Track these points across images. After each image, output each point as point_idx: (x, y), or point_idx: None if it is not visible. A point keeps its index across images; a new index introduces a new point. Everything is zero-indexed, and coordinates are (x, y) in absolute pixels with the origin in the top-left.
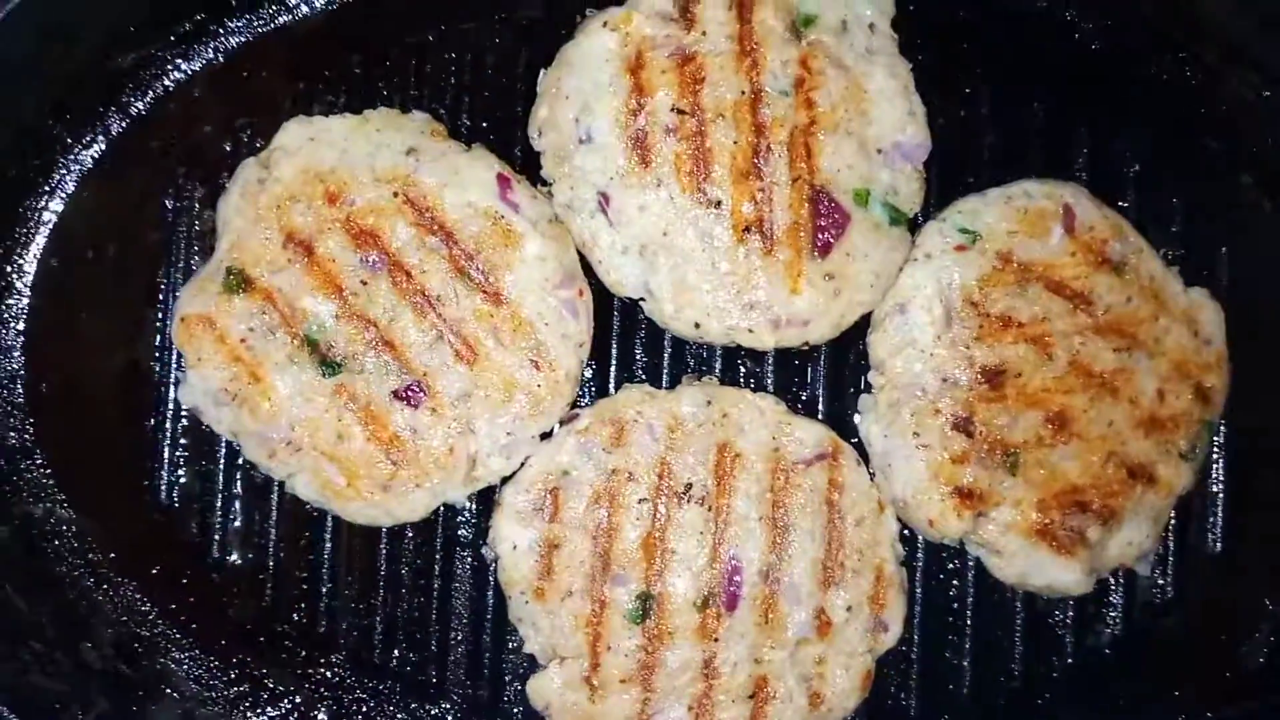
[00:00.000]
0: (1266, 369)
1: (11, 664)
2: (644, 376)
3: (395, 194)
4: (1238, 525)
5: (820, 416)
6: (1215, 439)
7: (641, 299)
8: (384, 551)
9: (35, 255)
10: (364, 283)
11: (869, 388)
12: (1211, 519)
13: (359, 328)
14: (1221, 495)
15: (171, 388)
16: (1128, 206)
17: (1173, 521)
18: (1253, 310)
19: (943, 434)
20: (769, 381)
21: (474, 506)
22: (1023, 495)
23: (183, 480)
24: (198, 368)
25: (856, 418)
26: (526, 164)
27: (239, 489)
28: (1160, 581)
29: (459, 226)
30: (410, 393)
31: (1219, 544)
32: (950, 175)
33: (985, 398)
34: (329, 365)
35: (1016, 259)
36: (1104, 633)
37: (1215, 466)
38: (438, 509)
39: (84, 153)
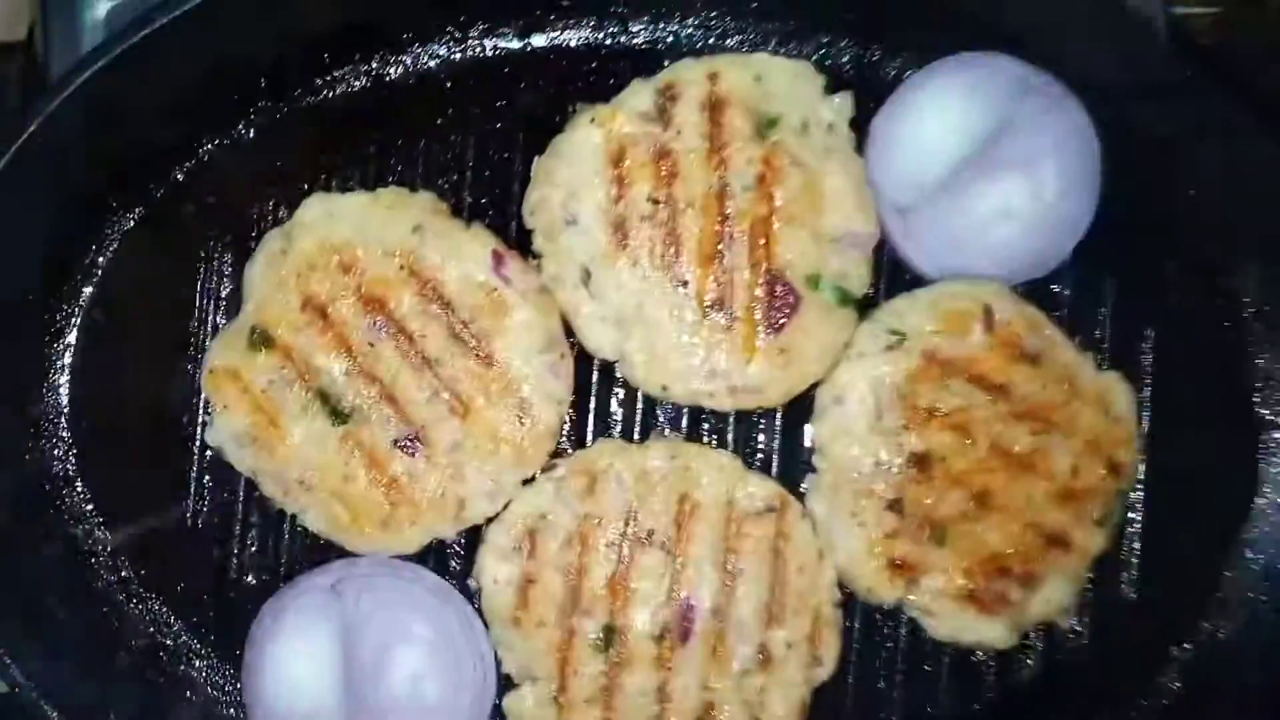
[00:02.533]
0: (1180, 439)
1: (54, 667)
2: (620, 430)
3: (401, 266)
4: (1150, 579)
5: (774, 472)
6: (1131, 502)
7: (617, 361)
8: None
9: (83, 305)
10: (371, 344)
11: (814, 468)
12: (1125, 574)
13: (366, 383)
14: (1137, 552)
15: (199, 429)
16: (1061, 289)
17: (1089, 575)
18: (1173, 385)
19: (877, 512)
20: (730, 439)
21: (462, 542)
22: (950, 564)
23: (207, 509)
24: (223, 414)
25: (804, 491)
26: (520, 238)
27: (256, 519)
28: (1077, 629)
29: (457, 297)
30: (409, 442)
31: (1133, 594)
32: (899, 261)
33: (914, 479)
34: (339, 416)
35: (940, 356)
36: (1024, 671)
37: (1132, 527)
38: (430, 544)
39: (128, 215)
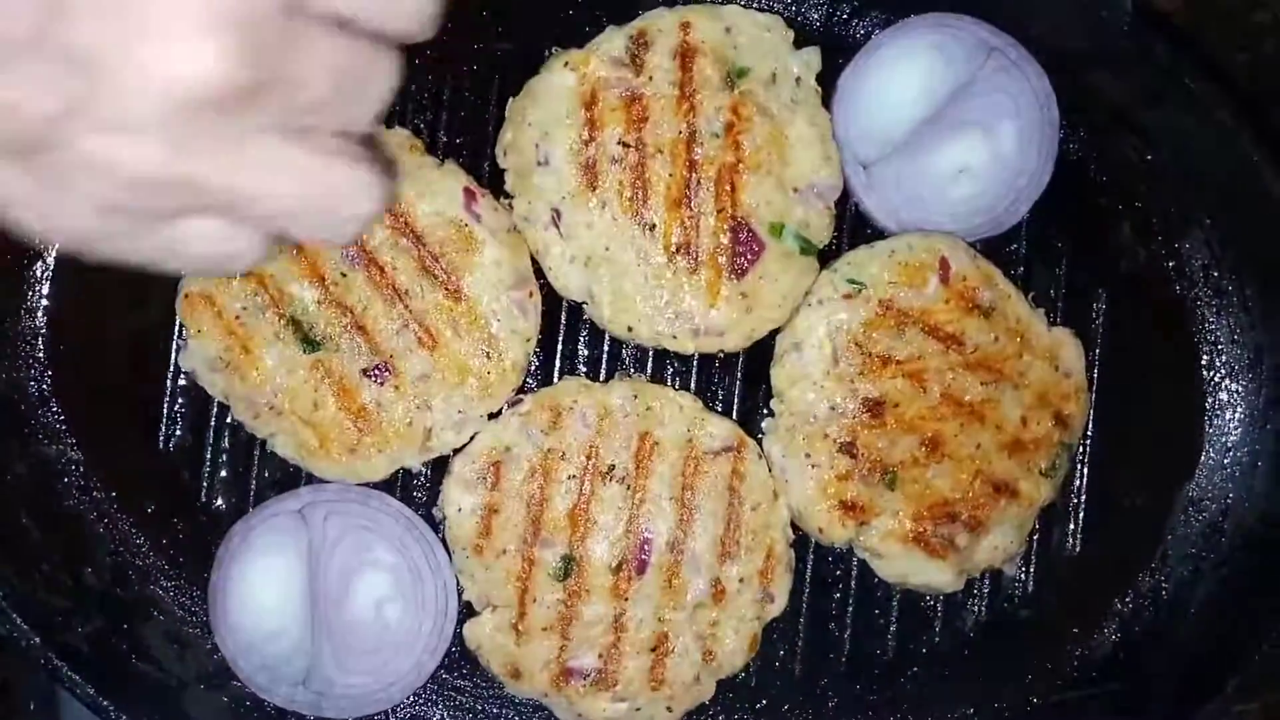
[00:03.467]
0: (1128, 396)
1: (26, 581)
2: (586, 370)
3: None
4: (1094, 532)
5: (734, 415)
6: (1077, 457)
7: (584, 302)
8: None
9: None
10: (343, 274)
11: (772, 413)
12: (1071, 525)
13: (337, 313)
14: (1081, 505)
15: (173, 353)
16: (1017, 248)
17: (1036, 527)
18: (1122, 344)
19: (831, 455)
20: (692, 381)
21: (427, 472)
22: (900, 507)
23: (179, 433)
24: (197, 338)
25: (761, 436)
26: (493, 178)
27: (227, 444)
28: (1021, 578)
29: (428, 232)
30: (378, 371)
31: (1076, 548)
32: (861, 214)
33: (868, 425)
34: (309, 343)
35: (897, 306)
36: (969, 618)
37: (1078, 481)
38: (397, 472)
39: None
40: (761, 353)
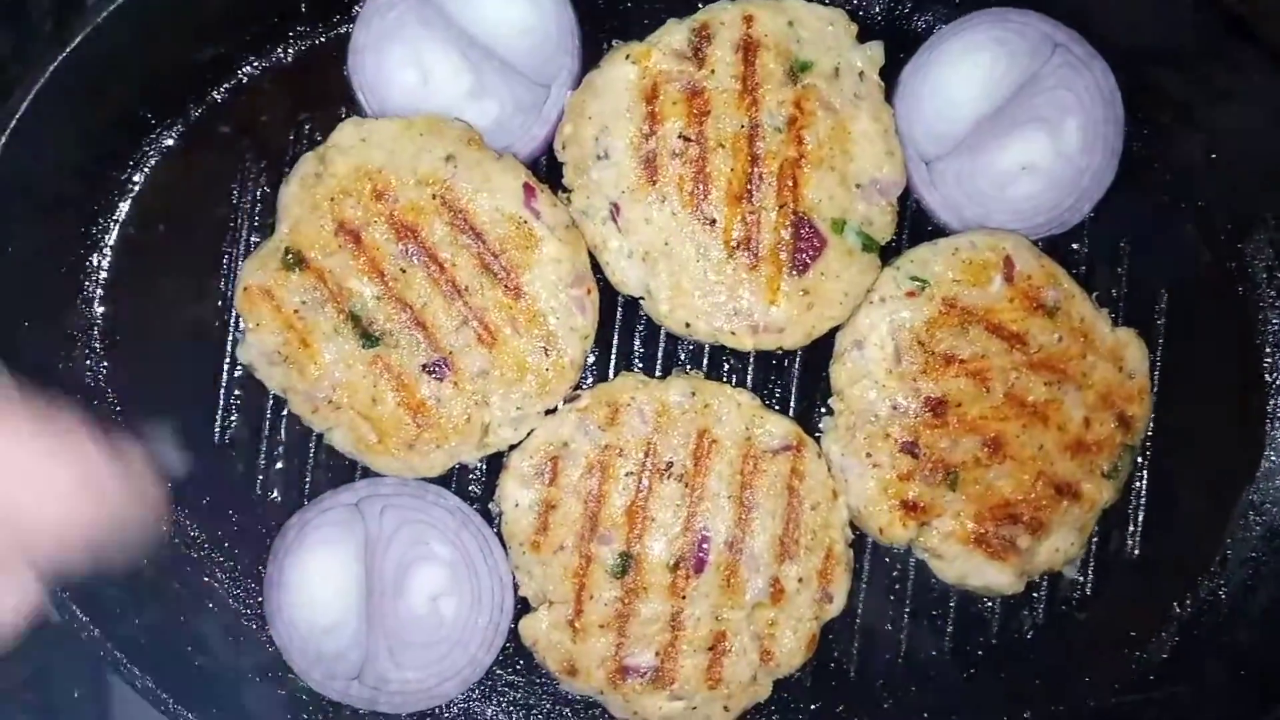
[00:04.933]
0: (1189, 399)
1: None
2: (641, 366)
3: (434, 196)
4: (1154, 535)
5: (791, 413)
6: (1138, 460)
7: (641, 298)
8: None
9: (118, 221)
10: (403, 270)
11: (831, 411)
12: (1131, 528)
13: (396, 308)
14: (1142, 508)
15: (230, 346)
16: (1080, 248)
17: (1095, 529)
18: (1185, 347)
19: (892, 455)
20: (749, 378)
21: (483, 468)
22: (961, 508)
23: (234, 425)
24: (255, 331)
25: (818, 435)
26: (550, 172)
27: (282, 437)
28: (1080, 580)
29: (487, 228)
30: (437, 367)
31: (1136, 551)
32: (923, 211)
33: (930, 424)
34: (369, 339)
35: (960, 304)
36: (1026, 621)
37: (1138, 483)
38: (452, 467)
39: (165, 134)
40: (817, 351)
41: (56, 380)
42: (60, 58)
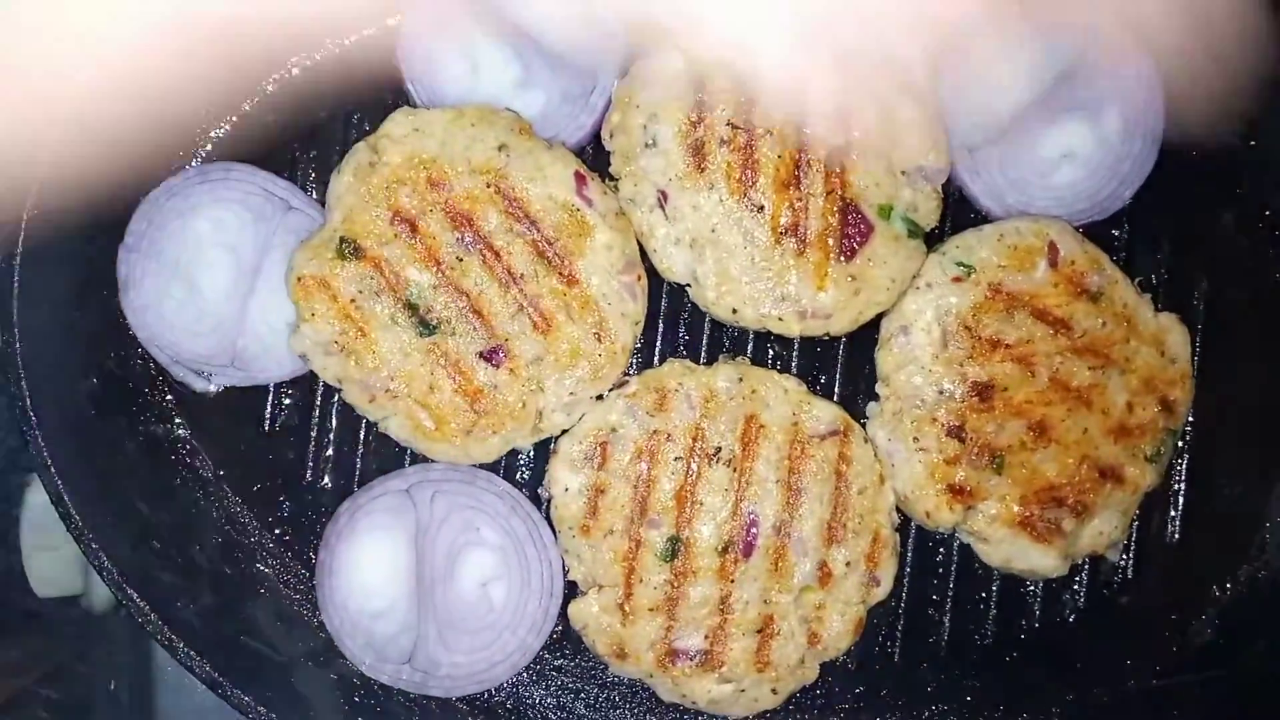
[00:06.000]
0: (1229, 383)
1: (137, 557)
2: (686, 353)
3: (488, 185)
4: (1194, 520)
5: (835, 398)
6: (1179, 444)
7: (688, 285)
8: None
9: None
10: (459, 259)
11: (876, 397)
12: (1172, 513)
13: (453, 297)
14: (1182, 492)
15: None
16: (1120, 234)
17: (1137, 514)
18: (1224, 333)
19: (938, 439)
20: (794, 365)
21: (531, 453)
22: (1007, 492)
23: (285, 412)
24: (310, 321)
25: (864, 420)
26: (597, 160)
27: (333, 423)
28: (1122, 564)
29: (541, 216)
30: (493, 354)
31: (1176, 535)
32: (965, 199)
33: (976, 409)
34: (426, 327)
35: (1005, 289)
36: (1068, 604)
37: (1178, 468)
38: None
39: (218, 124)
40: (863, 336)
41: (106, 369)
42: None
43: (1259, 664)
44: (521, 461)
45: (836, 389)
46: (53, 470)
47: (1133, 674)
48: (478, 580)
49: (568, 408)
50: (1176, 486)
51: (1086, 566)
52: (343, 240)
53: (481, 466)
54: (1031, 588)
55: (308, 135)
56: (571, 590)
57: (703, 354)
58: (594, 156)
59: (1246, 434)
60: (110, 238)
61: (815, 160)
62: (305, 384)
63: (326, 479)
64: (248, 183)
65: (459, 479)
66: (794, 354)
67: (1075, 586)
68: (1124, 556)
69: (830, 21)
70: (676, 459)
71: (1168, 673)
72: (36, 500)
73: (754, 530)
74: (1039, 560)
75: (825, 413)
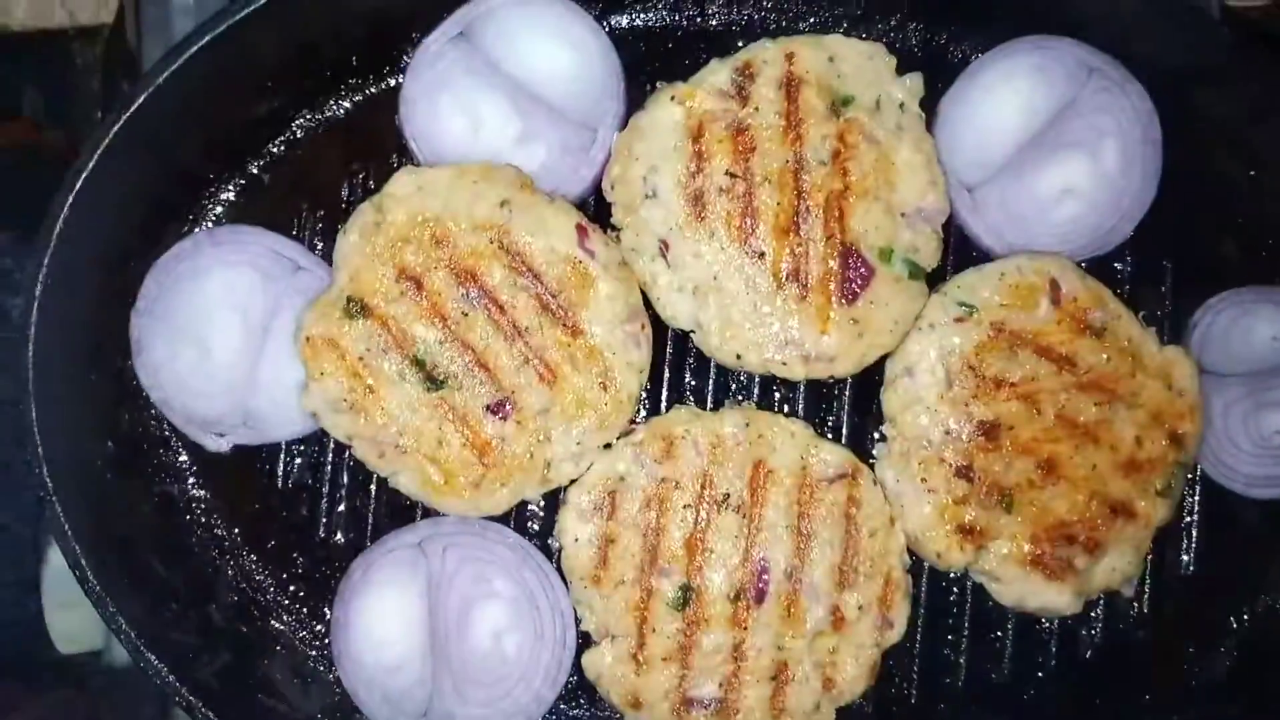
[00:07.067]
0: None
1: (154, 619)
2: (692, 399)
3: (491, 240)
4: (1208, 551)
5: (843, 441)
6: (1190, 477)
7: (692, 331)
8: None
9: None
10: (465, 314)
11: (884, 438)
12: (1185, 544)
13: (459, 351)
14: (1195, 524)
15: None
16: (1123, 267)
17: (1150, 547)
18: None
19: (947, 480)
20: (800, 408)
21: (541, 504)
22: (1017, 530)
23: (297, 469)
24: (319, 380)
25: (871, 461)
26: (599, 211)
27: (344, 479)
28: (1136, 600)
29: (544, 269)
30: (500, 407)
31: (1191, 567)
32: (966, 237)
33: (983, 448)
34: (433, 382)
35: (1008, 328)
36: (1085, 641)
37: (1190, 500)
38: (512, 505)
39: (225, 187)
40: (868, 378)
41: (120, 432)
42: (123, 118)
43: (1279, 694)
44: (531, 512)
45: (844, 431)
46: (70, 536)
47: (1152, 708)
48: (491, 632)
49: (575, 458)
50: (1189, 519)
51: (1102, 603)
52: (349, 299)
53: (492, 518)
54: (1047, 625)
55: (313, 195)
56: (585, 640)
57: (709, 400)
58: (596, 208)
59: None
60: (121, 302)
61: (814, 206)
62: (316, 441)
63: (339, 534)
64: (256, 244)
65: (470, 531)
66: (800, 396)
67: (1091, 623)
68: (1140, 591)
69: None
70: (685, 506)
71: (1187, 706)
72: (57, 559)
73: (765, 576)
74: (1053, 599)
75: (833, 456)
